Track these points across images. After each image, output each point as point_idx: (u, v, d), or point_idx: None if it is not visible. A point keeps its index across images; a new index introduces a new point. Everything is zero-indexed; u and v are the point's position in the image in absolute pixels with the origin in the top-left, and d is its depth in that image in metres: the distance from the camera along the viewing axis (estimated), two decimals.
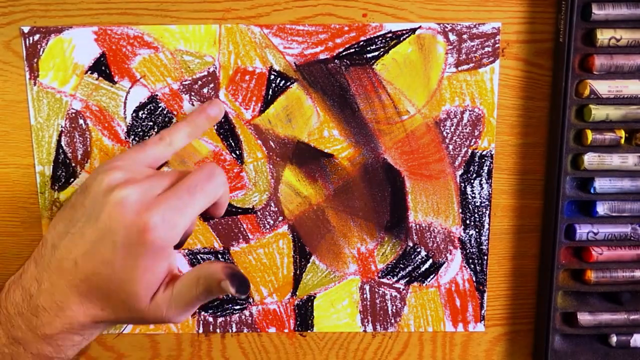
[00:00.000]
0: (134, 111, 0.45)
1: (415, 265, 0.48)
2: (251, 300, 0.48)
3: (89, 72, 0.45)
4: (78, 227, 0.34)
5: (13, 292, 0.35)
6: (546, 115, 0.45)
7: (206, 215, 0.40)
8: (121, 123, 0.45)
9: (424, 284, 0.48)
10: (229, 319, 0.49)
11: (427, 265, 0.48)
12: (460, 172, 0.46)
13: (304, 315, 0.49)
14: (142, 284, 0.34)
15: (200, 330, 0.49)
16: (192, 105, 0.45)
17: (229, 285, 0.33)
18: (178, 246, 0.38)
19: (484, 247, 0.48)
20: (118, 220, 0.33)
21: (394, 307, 0.49)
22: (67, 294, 0.34)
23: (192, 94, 0.45)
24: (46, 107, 0.45)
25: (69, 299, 0.34)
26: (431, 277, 0.48)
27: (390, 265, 0.48)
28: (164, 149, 0.39)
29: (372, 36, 0.44)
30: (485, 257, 0.48)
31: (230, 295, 0.33)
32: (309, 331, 0.49)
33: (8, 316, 0.34)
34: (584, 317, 0.46)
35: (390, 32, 0.44)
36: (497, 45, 0.44)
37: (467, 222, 0.47)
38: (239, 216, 0.47)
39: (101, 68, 0.44)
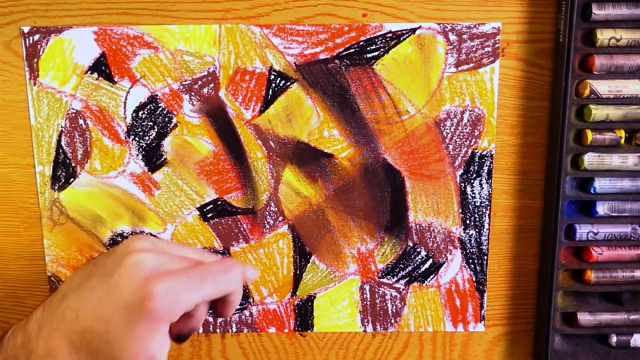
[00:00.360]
0: (134, 111, 0.45)
1: (415, 265, 0.48)
2: (251, 300, 0.48)
3: (89, 72, 0.45)
4: (92, 282, 0.35)
5: (17, 334, 0.36)
6: (546, 115, 0.45)
7: (215, 311, 0.41)
8: (121, 123, 0.45)
9: (424, 284, 0.48)
10: (229, 319, 0.49)
11: (427, 265, 0.48)
12: (460, 172, 0.46)
13: (304, 315, 0.49)
14: (130, 352, 0.34)
15: (200, 330, 0.49)
16: (192, 105, 0.45)
17: None
18: (181, 339, 0.39)
19: (484, 247, 0.48)
20: (127, 281, 0.34)
21: (394, 307, 0.49)
22: (61, 344, 0.34)
23: (192, 94, 0.45)
24: (46, 107, 0.45)
25: (61, 349, 0.34)
26: (431, 277, 0.48)
27: (390, 265, 0.48)
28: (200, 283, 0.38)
29: (372, 36, 0.44)
30: (485, 257, 0.48)
31: None
32: (309, 331, 0.49)
33: (7, 358, 0.35)
34: (584, 317, 0.46)
35: (390, 32, 0.44)
36: (497, 45, 0.44)
37: (467, 222, 0.47)
38: (239, 216, 0.47)
39: (101, 68, 0.44)
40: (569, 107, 0.43)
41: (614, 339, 0.47)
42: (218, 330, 0.49)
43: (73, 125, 0.45)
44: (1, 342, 0.37)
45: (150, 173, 0.46)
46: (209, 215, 0.47)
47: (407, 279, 0.48)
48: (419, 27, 0.44)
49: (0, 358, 0.36)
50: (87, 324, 0.34)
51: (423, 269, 0.48)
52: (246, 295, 0.48)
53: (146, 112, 0.45)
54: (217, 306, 0.39)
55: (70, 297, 0.35)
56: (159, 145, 0.46)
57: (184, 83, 0.45)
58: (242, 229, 0.47)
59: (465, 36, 0.44)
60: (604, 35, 0.42)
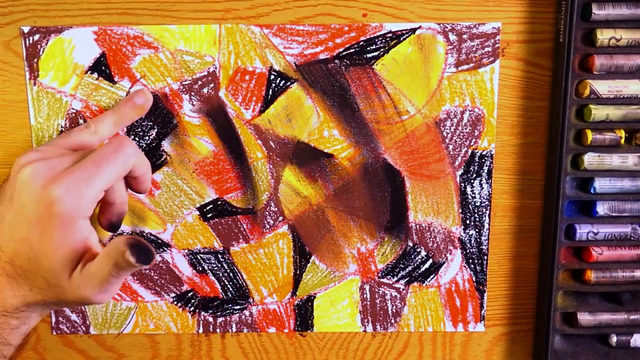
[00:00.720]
0: None
1: (415, 265, 0.48)
2: (251, 300, 0.49)
3: (89, 72, 0.45)
4: (0, 212, 0.35)
5: None
6: (546, 115, 0.45)
7: (133, 191, 0.41)
8: None
9: (424, 284, 0.48)
10: (229, 319, 0.49)
11: (427, 265, 0.48)
12: (460, 172, 0.46)
13: (304, 315, 0.49)
14: (57, 260, 0.34)
15: (200, 330, 0.49)
16: (192, 105, 0.45)
17: (129, 255, 0.33)
18: (113, 227, 0.39)
19: (484, 247, 0.48)
20: (27, 196, 0.34)
21: (394, 307, 0.49)
22: None
23: (192, 94, 0.45)
24: (46, 107, 0.45)
25: (1, 283, 0.35)
26: (431, 277, 0.48)
27: (390, 265, 0.48)
28: (89, 137, 0.40)
29: (372, 36, 0.44)
30: (485, 257, 0.48)
31: (140, 267, 0.34)
32: (309, 331, 0.49)
33: None
34: (584, 317, 0.46)
35: (390, 32, 0.44)
36: (497, 45, 0.44)
37: (467, 222, 0.47)
38: (239, 216, 0.47)
39: (101, 68, 0.44)
40: (569, 107, 0.43)
41: (614, 339, 0.47)
42: (218, 330, 0.49)
43: (73, 125, 0.45)
44: None
45: None
46: (209, 215, 0.47)
47: (407, 279, 0.48)
48: (419, 27, 0.44)
49: None
50: (11, 251, 0.34)
51: (423, 269, 0.48)
52: (246, 295, 0.48)
53: (146, 112, 0.45)
54: (131, 185, 0.40)
55: None
56: (159, 145, 0.46)
57: (184, 83, 0.45)
58: (242, 229, 0.47)
59: (465, 36, 0.44)
60: (604, 35, 0.42)
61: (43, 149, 0.37)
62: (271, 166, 0.46)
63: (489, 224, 0.47)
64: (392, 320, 0.49)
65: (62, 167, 0.35)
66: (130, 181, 0.40)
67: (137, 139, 0.45)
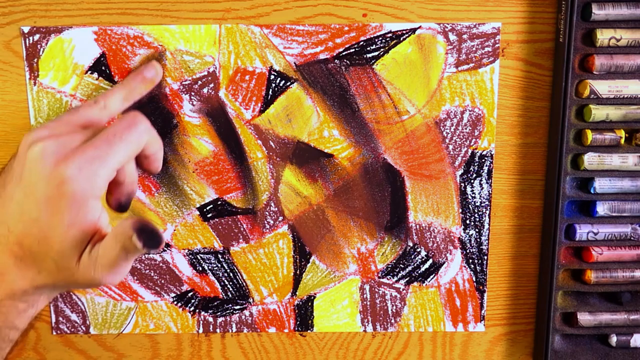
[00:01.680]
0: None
1: (415, 265, 0.48)
2: (251, 300, 0.49)
3: (89, 72, 0.45)
4: (8, 190, 0.34)
5: None
6: (546, 115, 0.45)
7: (144, 171, 0.39)
8: None
9: (424, 284, 0.48)
10: (229, 319, 0.49)
11: (427, 265, 0.48)
12: (460, 172, 0.46)
13: (304, 315, 0.49)
14: (67, 240, 0.33)
15: (200, 330, 0.49)
16: (192, 105, 0.45)
17: (136, 240, 0.32)
18: (122, 208, 0.37)
19: (484, 247, 0.48)
20: (37, 175, 0.33)
21: (394, 307, 0.49)
22: (4, 260, 0.34)
23: (192, 94, 0.45)
24: (46, 107, 0.45)
25: (6, 263, 0.34)
26: (431, 277, 0.48)
27: (390, 265, 0.48)
28: (98, 112, 0.38)
29: (372, 36, 0.44)
30: (485, 257, 0.48)
31: (146, 251, 0.32)
32: (309, 331, 0.49)
33: None
34: (584, 317, 0.46)
35: (390, 32, 0.44)
36: (497, 45, 0.44)
37: (467, 222, 0.47)
38: (239, 216, 0.47)
39: (101, 68, 0.44)
40: (569, 107, 0.43)
41: (614, 339, 0.47)
42: (218, 330, 0.49)
43: None
44: None
45: None
46: (209, 215, 0.47)
47: (407, 279, 0.48)
48: (419, 27, 0.44)
49: None
50: (20, 231, 0.33)
51: (423, 269, 0.48)
52: (246, 295, 0.48)
53: (146, 112, 0.45)
54: (142, 164, 0.38)
55: None
56: None
57: (184, 83, 0.45)
58: (242, 229, 0.47)
59: (465, 36, 0.44)
60: (604, 35, 0.42)
61: (51, 125, 0.35)
62: (271, 166, 0.46)
63: (489, 224, 0.47)
64: (392, 320, 0.49)
65: (73, 145, 0.34)
66: (142, 160, 0.38)
67: None
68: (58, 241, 0.33)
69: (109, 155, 0.34)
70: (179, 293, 0.48)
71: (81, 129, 0.36)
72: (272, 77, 0.45)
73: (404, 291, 0.48)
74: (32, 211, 0.33)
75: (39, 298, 0.36)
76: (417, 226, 0.47)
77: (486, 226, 0.47)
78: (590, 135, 0.44)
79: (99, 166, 0.33)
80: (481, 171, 0.46)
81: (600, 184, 0.45)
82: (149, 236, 0.32)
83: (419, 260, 0.48)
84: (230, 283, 0.48)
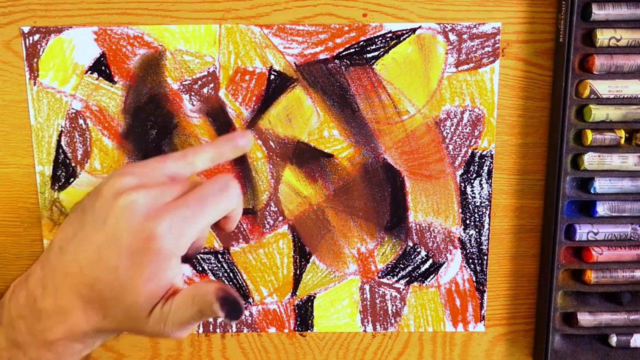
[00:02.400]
0: (134, 111, 0.45)
1: (415, 265, 0.48)
2: (251, 300, 0.49)
3: (89, 72, 0.45)
4: (86, 231, 0.33)
5: (17, 294, 0.34)
6: (546, 115, 0.45)
7: (217, 228, 0.39)
8: (121, 123, 0.45)
9: (424, 284, 0.48)
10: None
11: (427, 265, 0.48)
12: (460, 172, 0.46)
13: (304, 315, 0.49)
14: (143, 294, 0.32)
15: (200, 330, 0.49)
16: (192, 105, 0.45)
17: (218, 309, 0.32)
18: (187, 260, 0.36)
19: (484, 247, 0.48)
20: (124, 225, 0.32)
21: (394, 307, 0.49)
22: (71, 299, 0.33)
23: (192, 94, 0.45)
24: (46, 107, 0.45)
25: (72, 304, 0.33)
26: (431, 277, 0.48)
27: (390, 265, 0.48)
28: (184, 166, 0.37)
29: (372, 36, 0.44)
30: (485, 257, 0.48)
31: (227, 321, 0.32)
32: (309, 331, 0.49)
33: (10, 319, 0.34)
34: (584, 317, 0.46)
35: (390, 32, 0.44)
36: (497, 45, 0.44)
37: (467, 222, 0.47)
38: None
39: (101, 68, 0.44)
40: (569, 107, 0.43)
41: (614, 339, 0.47)
42: (218, 330, 0.49)
43: (73, 125, 0.45)
44: (1, 303, 0.35)
45: None
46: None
47: (407, 279, 0.48)
48: (419, 27, 0.44)
49: (4, 319, 0.34)
50: (94, 276, 0.32)
51: (423, 269, 0.48)
52: (246, 295, 0.48)
53: (146, 112, 0.45)
54: (219, 223, 0.37)
55: (69, 250, 0.33)
56: (159, 145, 0.46)
57: (184, 83, 0.45)
58: (242, 229, 0.47)
59: (465, 36, 0.44)
60: (604, 35, 0.42)
61: (139, 171, 0.34)
62: (271, 166, 0.46)
63: (489, 224, 0.47)
64: (392, 320, 0.49)
65: (164, 200, 0.33)
66: (221, 219, 0.37)
67: (137, 139, 0.45)
68: (133, 293, 0.32)
69: (199, 217, 0.33)
70: None
71: (169, 181, 0.35)
72: (272, 77, 0.45)
73: (404, 291, 0.48)
74: (111, 259, 0.32)
75: (96, 341, 0.35)
76: (417, 226, 0.47)
77: (486, 226, 0.47)
78: (590, 135, 0.44)
79: (189, 227, 0.32)
80: (481, 171, 0.46)
81: (600, 184, 0.45)
82: (232, 307, 0.32)
83: (419, 260, 0.48)
84: (230, 283, 0.48)
